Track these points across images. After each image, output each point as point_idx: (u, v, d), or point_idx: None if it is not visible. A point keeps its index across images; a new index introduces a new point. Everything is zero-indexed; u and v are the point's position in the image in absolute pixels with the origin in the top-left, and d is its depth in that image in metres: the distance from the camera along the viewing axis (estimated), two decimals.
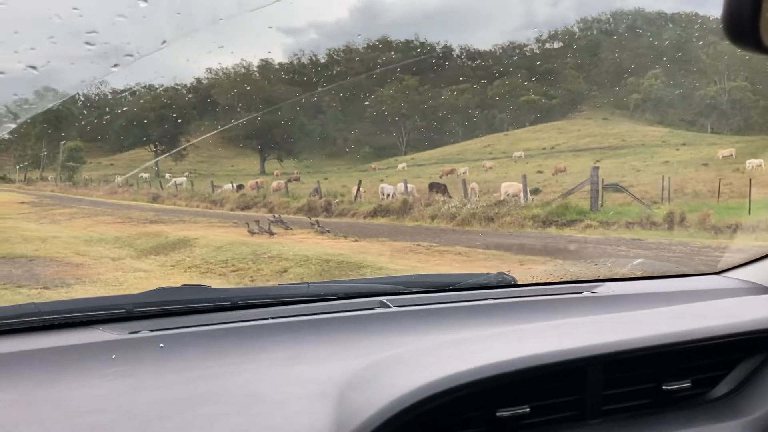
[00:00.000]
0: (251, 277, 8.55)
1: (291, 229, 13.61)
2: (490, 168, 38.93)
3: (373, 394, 1.36)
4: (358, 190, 23.12)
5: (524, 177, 19.09)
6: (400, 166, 43.17)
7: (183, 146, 44.09)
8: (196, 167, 44.96)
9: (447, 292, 2.18)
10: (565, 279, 2.97)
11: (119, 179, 33.74)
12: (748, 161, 28.51)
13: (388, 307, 1.96)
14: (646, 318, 1.83)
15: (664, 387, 1.60)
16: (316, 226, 13.64)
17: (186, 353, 1.64)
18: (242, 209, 23.98)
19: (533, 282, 2.50)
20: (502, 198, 18.98)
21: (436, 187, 22.00)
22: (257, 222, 12.81)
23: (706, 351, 1.65)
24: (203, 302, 1.88)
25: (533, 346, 1.49)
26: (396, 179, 35.11)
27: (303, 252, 9.43)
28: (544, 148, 43.98)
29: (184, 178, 35.51)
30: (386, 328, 1.84)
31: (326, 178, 37.70)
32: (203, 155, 49.52)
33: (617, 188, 19.43)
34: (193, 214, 18.76)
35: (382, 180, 34.24)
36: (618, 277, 2.71)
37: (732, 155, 32.85)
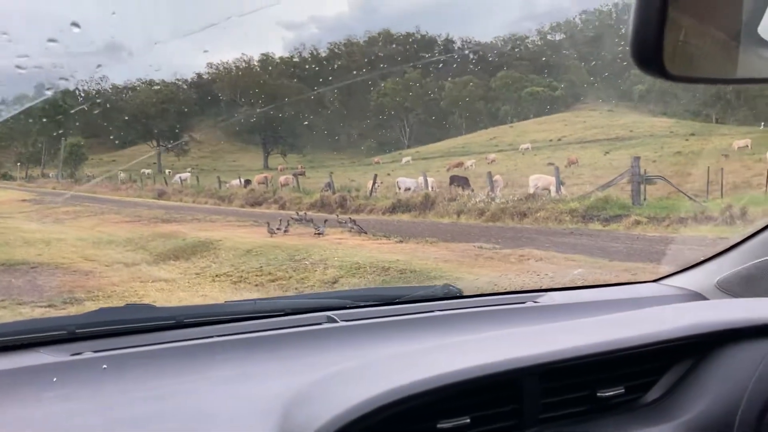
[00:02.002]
0: (296, 288, 7.09)
1: (318, 228, 12.12)
2: (493, 161, 37.76)
3: (318, 409, 1.35)
4: (374, 184, 21.65)
5: (557, 169, 17.67)
6: (404, 159, 42.00)
7: (186, 141, 42.92)
8: (198, 162, 43.84)
9: (394, 305, 2.13)
10: (509, 289, 2.90)
11: (122, 175, 32.30)
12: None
13: (336, 321, 1.93)
14: (583, 327, 1.81)
15: (598, 394, 1.60)
16: (350, 225, 12.13)
17: (130, 374, 1.59)
18: (251, 205, 22.76)
19: (479, 293, 2.41)
20: (531, 191, 17.57)
21: (458, 181, 20.56)
22: (287, 221, 11.32)
23: (638, 357, 1.65)
24: (147, 321, 1.81)
25: (474, 358, 1.48)
26: (402, 173, 33.80)
27: (350, 257, 7.96)
28: (550, 140, 42.75)
29: (189, 174, 34.42)
30: (334, 343, 1.82)
31: (332, 173, 36.64)
32: (205, 150, 48.39)
33: (649, 180, 17.92)
34: (205, 211, 17.23)
35: (388, 174, 32.97)
36: (560, 286, 2.58)
37: (748, 146, 31.55)
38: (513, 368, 1.47)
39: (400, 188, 20.85)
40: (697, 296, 2.37)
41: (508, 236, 10.72)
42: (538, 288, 2.48)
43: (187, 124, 45.58)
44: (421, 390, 1.35)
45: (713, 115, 45.93)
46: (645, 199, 15.20)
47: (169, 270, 8.79)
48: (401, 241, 10.04)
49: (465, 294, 2.32)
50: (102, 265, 9.23)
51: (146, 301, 6.85)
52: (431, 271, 7.09)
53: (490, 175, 18.82)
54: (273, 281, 7.52)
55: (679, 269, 2.54)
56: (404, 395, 1.33)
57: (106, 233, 12.41)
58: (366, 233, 11.43)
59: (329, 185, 23.25)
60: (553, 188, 17.36)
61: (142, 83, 42.99)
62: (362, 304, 2.11)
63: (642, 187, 15.07)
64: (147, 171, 36.56)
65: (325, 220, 12.52)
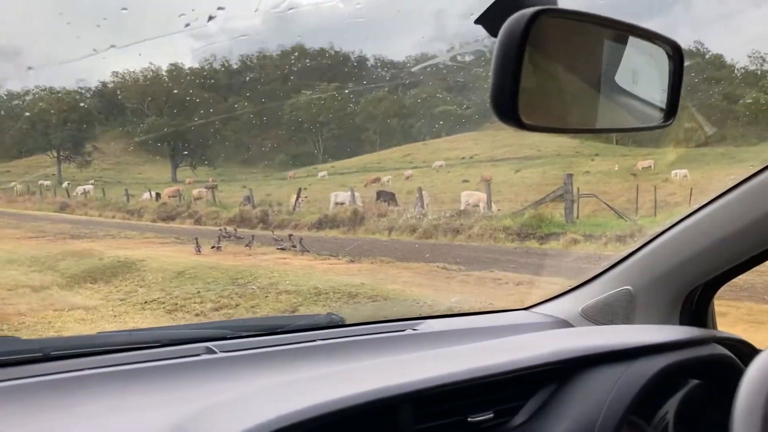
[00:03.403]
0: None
1: (280, 244, 10.92)
2: (408, 177, 37.87)
3: None
4: (298, 198, 20.68)
5: (488, 185, 17.23)
6: (320, 174, 41.34)
7: (89, 152, 40.48)
8: (101, 174, 41.41)
9: (276, 335, 2.07)
10: (389, 317, 2.49)
11: (19, 186, 29.75)
12: (673, 172, 28.11)
13: (215, 352, 1.83)
14: (456, 354, 1.87)
15: (469, 419, 1.64)
16: (290, 244, 11.01)
17: None
18: (164, 220, 21.28)
19: (360, 321, 2.34)
20: (462, 207, 17.11)
21: (384, 196, 19.83)
22: (218, 238, 10.10)
23: (506, 383, 1.71)
24: (11, 355, 1.64)
25: (351, 387, 1.49)
26: (318, 188, 33.11)
27: (304, 281, 6.96)
28: (463, 158, 43.24)
29: (91, 186, 32.42)
30: (213, 374, 1.73)
31: (245, 186, 35.68)
32: (109, 162, 45.94)
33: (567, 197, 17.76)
34: (116, 226, 15.62)
35: (305, 188, 32.22)
36: (438, 314, 2.62)
37: (651, 166, 32.78)
38: (388, 396, 1.48)
39: (333, 202, 19.96)
40: (564, 323, 2.44)
41: (465, 255, 9.97)
42: (418, 315, 2.47)
43: (91, 134, 42.97)
44: (296, 420, 1.34)
45: (614, 137, 47.62)
46: (578, 216, 14.97)
47: (87, 295, 7.46)
48: (352, 261, 9.07)
49: (347, 323, 2.28)
50: (3, 289, 7.80)
51: (65, 335, 5.62)
52: (407, 297, 6.21)
53: (420, 190, 18.19)
54: (216, 309, 6.40)
55: (548, 297, 2.59)
56: (280, 426, 1.31)
57: (6, 250, 10.74)
58: (308, 251, 10.39)
59: (249, 199, 22.09)
60: (482, 204, 16.95)
61: (41, 90, 40.16)
62: (242, 334, 2.03)
63: (575, 204, 14.82)
64: (46, 182, 34.17)
65: (227, 233, 11.35)
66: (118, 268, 8.51)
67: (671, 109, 1.39)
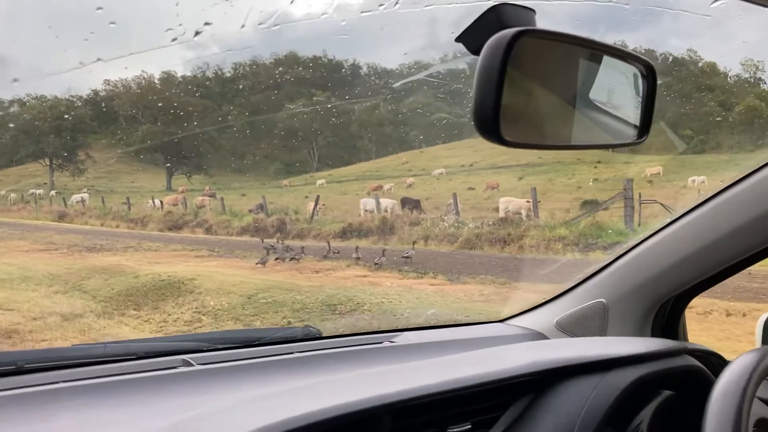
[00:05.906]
0: None
1: (297, 259, 9.22)
2: (411, 185, 36.85)
3: None
4: (316, 206, 19.05)
5: (533, 190, 15.60)
6: (318, 182, 40.13)
7: (82, 160, 38.79)
8: (93, 183, 39.73)
9: (253, 347, 1.99)
10: (366, 330, 2.81)
11: (13, 195, 27.87)
12: (690, 178, 26.89)
13: (192, 365, 1.76)
14: (434, 366, 1.84)
15: (448, 430, 1.61)
16: (357, 256, 9.31)
17: None
18: (170, 229, 19.66)
19: (338, 334, 2.28)
20: (502, 215, 15.55)
21: (410, 203, 18.26)
22: (298, 252, 8.41)
23: (484, 394, 1.68)
24: None
25: (331, 399, 1.42)
26: (321, 196, 31.70)
27: (428, 308, 5.24)
28: (462, 165, 42.11)
29: (87, 195, 30.96)
30: (190, 387, 1.67)
31: (244, 195, 34.36)
32: (101, 170, 44.17)
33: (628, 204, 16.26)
34: (131, 236, 13.79)
35: (306, 196, 30.95)
36: (414, 326, 2.49)
37: (659, 173, 31.61)
38: (367, 408, 1.41)
39: (362, 209, 18.35)
40: (539, 335, 2.40)
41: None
42: (395, 328, 2.35)
43: (83, 143, 41.31)
44: None
45: None
46: (639, 224, 13.47)
47: (136, 326, 5.69)
48: (451, 280, 7.36)
49: (324, 335, 2.19)
50: (25, 317, 6.02)
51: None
52: None
53: (455, 197, 16.57)
54: None
55: (523, 310, 2.55)
56: None
57: (17, 266, 8.88)
58: (379, 266, 8.66)
59: (262, 207, 20.47)
60: (524, 212, 15.38)
61: (32, 98, 38.26)
62: (219, 346, 1.91)
63: (636, 211, 13.31)
64: (38, 191, 32.37)
65: (276, 246, 9.63)
66: (164, 290, 6.72)
67: (644, 127, 1.36)
